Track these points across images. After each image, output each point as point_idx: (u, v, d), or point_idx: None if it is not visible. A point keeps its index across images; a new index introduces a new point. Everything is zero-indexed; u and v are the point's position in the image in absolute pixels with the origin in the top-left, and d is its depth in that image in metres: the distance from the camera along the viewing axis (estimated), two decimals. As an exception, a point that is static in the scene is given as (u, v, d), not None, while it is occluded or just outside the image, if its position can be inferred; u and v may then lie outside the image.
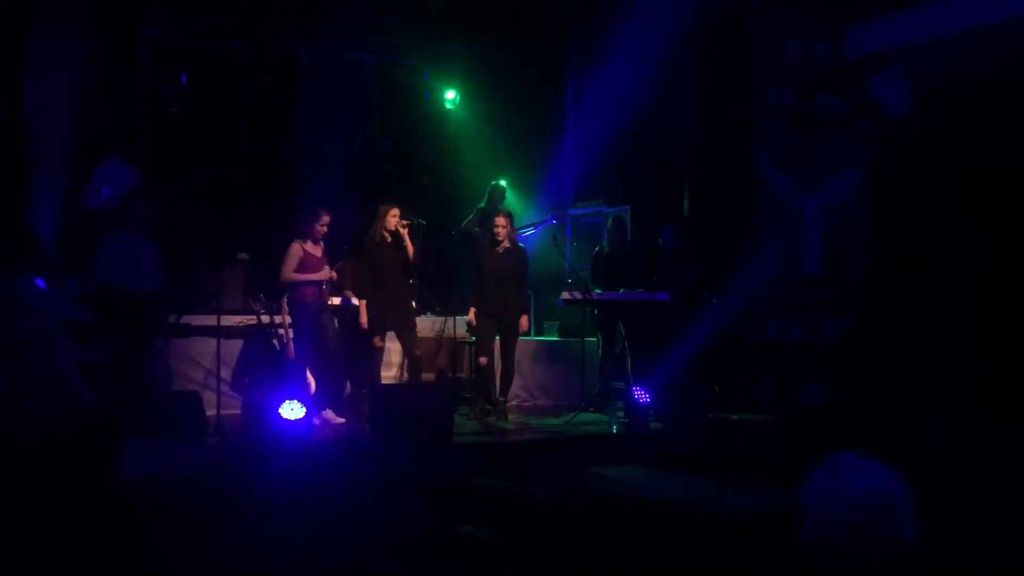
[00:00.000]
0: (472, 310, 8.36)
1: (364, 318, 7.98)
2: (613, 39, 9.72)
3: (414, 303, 8.67)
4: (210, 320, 7.72)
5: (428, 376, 8.96)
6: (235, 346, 8.30)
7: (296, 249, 7.64)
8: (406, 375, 8.53)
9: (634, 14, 9.29)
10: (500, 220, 8.31)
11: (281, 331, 7.87)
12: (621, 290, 8.95)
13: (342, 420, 7.81)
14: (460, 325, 9.01)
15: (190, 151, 9.85)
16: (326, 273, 7.77)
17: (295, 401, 7.00)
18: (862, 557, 1.79)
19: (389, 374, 8.78)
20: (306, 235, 7.69)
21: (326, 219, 7.71)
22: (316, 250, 7.74)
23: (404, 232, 8.01)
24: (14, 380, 2.09)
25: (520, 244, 8.56)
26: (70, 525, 2.10)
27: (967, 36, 8.07)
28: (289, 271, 7.61)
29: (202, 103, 10.11)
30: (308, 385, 7.79)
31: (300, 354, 7.75)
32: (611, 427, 7.93)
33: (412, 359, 8.14)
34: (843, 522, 1.81)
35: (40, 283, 2.28)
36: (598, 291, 8.92)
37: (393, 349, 8.62)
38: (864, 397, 8.26)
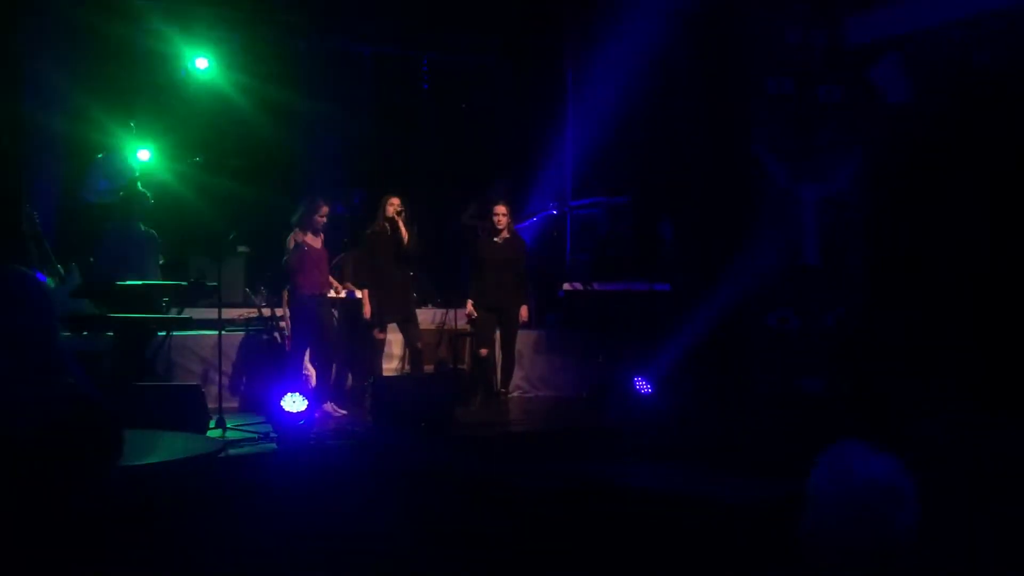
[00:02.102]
0: (469, 302, 8.36)
1: (368, 309, 7.98)
2: (612, 29, 9.70)
3: (415, 294, 8.67)
4: (211, 313, 7.72)
5: (429, 368, 8.97)
6: (236, 339, 8.30)
7: (297, 237, 7.64)
8: (407, 367, 8.54)
9: (633, 4, 9.27)
10: (500, 208, 8.34)
11: (282, 324, 7.88)
12: (621, 281, 8.96)
13: (344, 412, 7.81)
14: (461, 317, 9.02)
15: (189, 143, 9.84)
16: (340, 290, 7.74)
17: (297, 394, 7.01)
18: (862, 544, 1.80)
19: (390, 366, 8.78)
20: (306, 227, 7.68)
21: (325, 209, 7.69)
22: (316, 241, 7.73)
23: (399, 220, 8.02)
24: (12, 372, 2.09)
25: (519, 235, 8.57)
26: (71, 517, 2.11)
27: (967, 23, 8.04)
28: (293, 261, 7.60)
29: (201, 94, 10.08)
30: (307, 378, 7.79)
31: (297, 347, 7.75)
32: (612, 418, 7.94)
33: (414, 351, 8.16)
34: (844, 509, 1.82)
35: (40, 276, 2.28)
36: (598, 282, 8.93)
37: (394, 341, 8.63)
38: (863, 388, 8.27)
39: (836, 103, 8.85)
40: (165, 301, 7.67)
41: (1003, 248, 7.71)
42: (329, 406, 7.83)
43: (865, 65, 8.72)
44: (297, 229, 7.67)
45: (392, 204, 8.05)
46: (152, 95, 9.48)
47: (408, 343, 8.28)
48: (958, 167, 7.93)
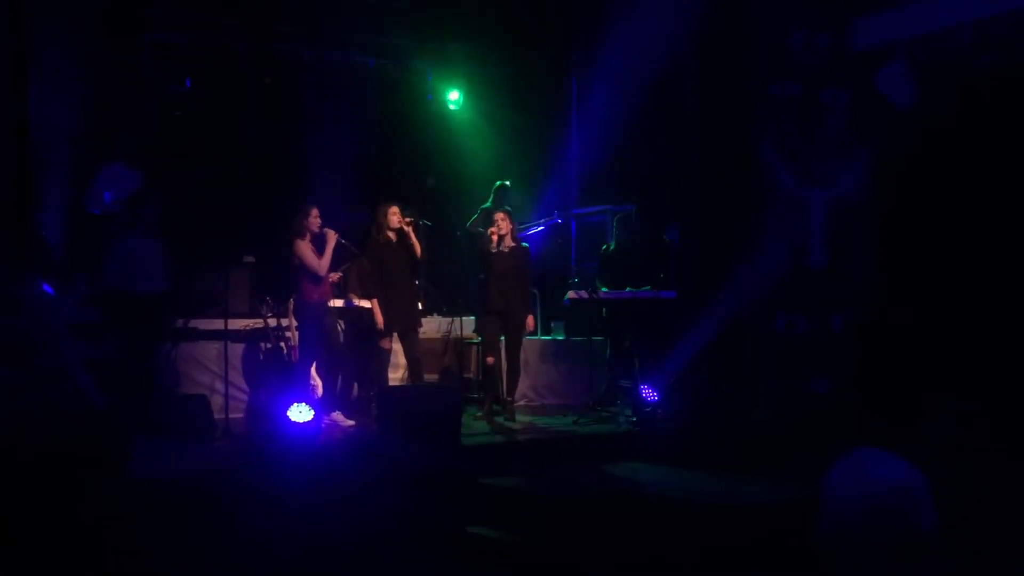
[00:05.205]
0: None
1: (380, 319, 7.89)
2: (617, 36, 9.71)
3: (420, 304, 8.64)
4: (217, 323, 7.71)
5: (432, 377, 8.94)
6: (242, 349, 8.28)
7: (304, 244, 7.62)
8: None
9: (637, 11, 9.29)
10: (499, 216, 8.32)
11: (288, 334, 7.86)
12: (627, 288, 8.94)
13: (352, 423, 7.79)
14: (467, 325, 9.00)
15: (195, 153, 9.85)
16: (332, 235, 7.66)
17: (303, 404, 7.00)
18: (880, 548, 1.78)
19: (396, 375, 8.75)
20: (304, 232, 7.66)
21: (315, 212, 7.66)
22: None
23: (409, 230, 7.98)
24: (21, 379, 2.09)
25: (523, 243, 8.55)
26: (80, 522, 2.10)
27: (972, 27, 8.04)
28: (315, 262, 7.55)
29: (206, 105, 10.10)
30: (314, 388, 7.78)
31: (304, 356, 7.73)
32: (619, 425, 7.92)
33: (413, 362, 8.07)
34: (861, 513, 1.80)
35: (46, 286, 2.28)
36: (604, 290, 8.93)
37: (400, 351, 8.61)
38: (870, 389, 8.26)
39: (842, 106, 8.86)
40: (172, 311, 7.66)
41: (1009, 249, 7.69)
42: (337, 415, 7.82)
43: (870, 69, 8.72)
44: (296, 239, 7.65)
45: (393, 213, 8.00)
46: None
47: (407, 353, 8.19)
48: (963, 170, 7.93)
